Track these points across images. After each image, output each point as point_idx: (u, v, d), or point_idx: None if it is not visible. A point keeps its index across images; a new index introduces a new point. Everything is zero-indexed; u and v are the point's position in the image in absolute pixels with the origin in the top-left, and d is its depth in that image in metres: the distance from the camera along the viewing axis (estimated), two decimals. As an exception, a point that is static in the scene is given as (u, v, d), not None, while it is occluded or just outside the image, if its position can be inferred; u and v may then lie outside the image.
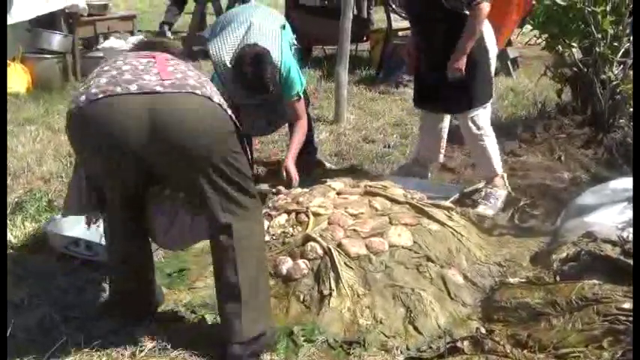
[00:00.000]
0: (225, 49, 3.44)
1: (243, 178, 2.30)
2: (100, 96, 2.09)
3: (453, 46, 3.40)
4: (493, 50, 3.60)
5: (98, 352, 2.33)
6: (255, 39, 3.42)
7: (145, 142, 2.12)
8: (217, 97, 2.25)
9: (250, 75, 3.30)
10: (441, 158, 4.05)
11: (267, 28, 3.54)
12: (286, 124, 4.08)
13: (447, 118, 3.90)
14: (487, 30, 3.52)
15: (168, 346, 2.37)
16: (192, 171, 2.21)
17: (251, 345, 2.28)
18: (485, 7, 3.33)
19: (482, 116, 3.61)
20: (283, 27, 3.67)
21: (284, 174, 3.59)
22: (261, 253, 2.42)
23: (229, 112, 2.25)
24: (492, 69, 3.62)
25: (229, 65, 3.40)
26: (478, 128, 3.60)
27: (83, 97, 2.12)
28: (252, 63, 3.30)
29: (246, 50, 3.35)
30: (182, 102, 2.15)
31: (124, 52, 2.33)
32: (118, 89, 2.10)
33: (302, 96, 3.69)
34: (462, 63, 3.39)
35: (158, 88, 2.12)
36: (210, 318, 2.55)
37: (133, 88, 2.11)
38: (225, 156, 2.21)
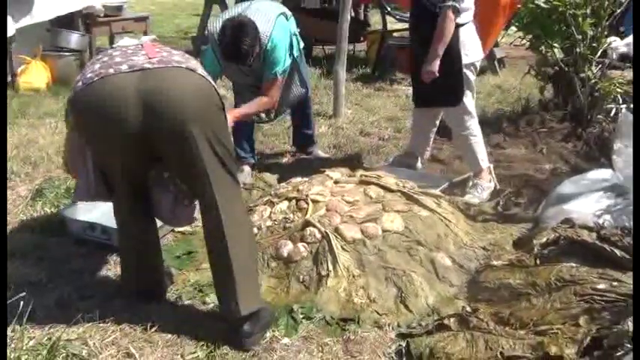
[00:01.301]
0: (219, 23, 3.39)
1: (230, 160, 2.30)
2: (95, 79, 2.12)
3: (426, 46, 3.36)
4: (470, 59, 3.47)
5: (112, 327, 2.34)
6: (248, 14, 3.37)
7: (139, 114, 2.11)
8: (201, 70, 2.26)
9: (228, 40, 3.21)
10: (428, 153, 4.05)
11: (265, 10, 3.47)
12: (284, 113, 4.07)
13: (437, 116, 3.89)
14: (468, 40, 3.44)
15: (178, 323, 2.38)
16: (185, 143, 2.15)
17: (255, 321, 2.27)
18: (450, 14, 3.25)
19: (466, 116, 3.57)
20: (286, 17, 3.58)
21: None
22: (250, 233, 2.44)
23: (213, 83, 2.26)
24: (470, 76, 3.52)
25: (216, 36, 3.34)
26: (463, 127, 3.58)
27: (80, 84, 2.15)
28: (232, 29, 3.22)
29: (232, 19, 3.30)
30: (169, 75, 2.16)
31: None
32: (111, 70, 2.13)
33: (279, 78, 3.52)
34: (435, 67, 3.33)
35: (147, 65, 2.15)
36: (214, 297, 2.55)
37: (124, 67, 2.14)
38: (213, 129, 2.19)
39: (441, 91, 3.46)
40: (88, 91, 2.13)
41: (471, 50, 3.49)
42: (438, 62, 3.34)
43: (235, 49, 3.25)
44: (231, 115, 3.24)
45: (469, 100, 3.57)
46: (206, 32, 3.43)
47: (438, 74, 3.36)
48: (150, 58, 2.17)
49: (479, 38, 3.58)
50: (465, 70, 3.45)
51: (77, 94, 2.15)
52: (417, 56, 3.54)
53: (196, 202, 2.41)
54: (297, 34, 3.71)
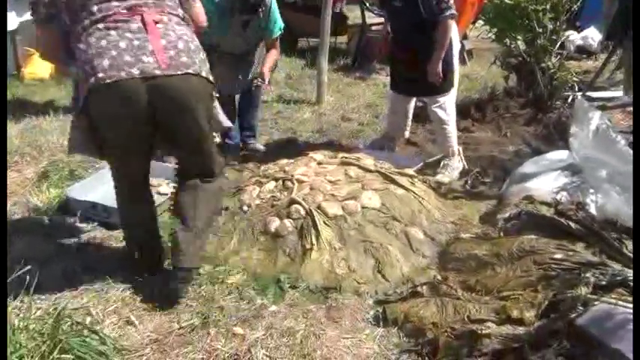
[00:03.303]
0: None
1: (212, 146, 2.36)
2: (107, 81, 2.03)
3: (424, 42, 3.35)
4: (457, 47, 3.54)
5: (114, 298, 2.32)
6: None
7: (149, 109, 2.11)
8: (205, 70, 2.21)
9: None
10: (407, 134, 4.04)
11: None
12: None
13: (413, 101, 3.87)
14: (453, 30, 3.44)
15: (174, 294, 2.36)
16: (184, 126, 2.21)
17: (188, 273, 2.33)
18: (451, 23, 3.30)
19: (449, 103, 3.57)
20: None
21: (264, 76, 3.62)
22: (218, 203, 2.48)
23: (211, 78, 2.25)
24: (456, 61, 3.55)
25: None
26: (445, 113, 3.57)
27: (93, 80, 2.04)
28: None
29: None
30: (177, 85, 2.12)
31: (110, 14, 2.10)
32: (123, 74, 2.03)
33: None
34: (439, 69, 3.38)
35: (157, 72, 2.07)
36: (208, 268, 2.55)
37: (136, 72, 2.04)
38: (208, 110, 2.26)
39: (431, 83, 3.44)
40: (101, 94, 2.05)
41: (456, 40, 3.51)
42: (440, 64, 3.38)
43: None
44: (267, 70, 3.56)
45: (454, 89, 3.59)
46: None
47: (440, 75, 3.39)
48: (158, 61, 2.08)
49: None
50: (455, 60, 3.50)
51: (90, 92, 2.05)
52: (398, 42, 3.52)
53: None
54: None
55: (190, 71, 2.13)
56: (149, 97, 2.08)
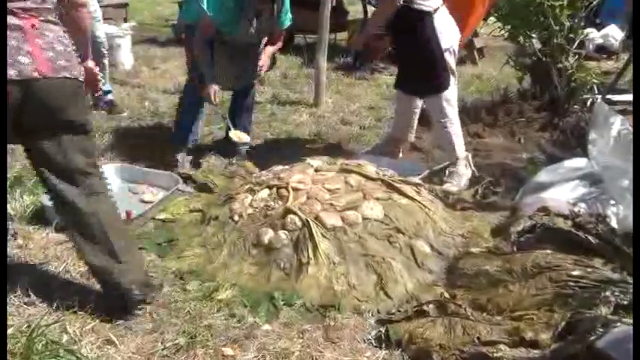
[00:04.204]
0: None
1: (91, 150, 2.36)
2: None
3: (403, 37, 3.43)
4: (448, 43, 3.45)
5: (92, 314, 2.30)
6: None
7: (22, 112, 2.13)
8: (82, 75, 2.26)
9: None
10: (412, 138, 4.05)
11: None
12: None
13: (418, 101, 3.88)
14: (443, 25, 3.42)
15: (159, 310, 2.37)
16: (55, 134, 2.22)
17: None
18: (389, 2, 3.36)
19: (446, 103, 3.56)
20: None
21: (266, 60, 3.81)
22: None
23: (83, 79, 2.28)
24: (448, 57, 3.48)
25: None
26: (441, 114, 3.57)
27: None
28: None
29: None
30: (54, 89, 2.15)
31: None
32: (11, 72, 2.06)
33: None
34: (360, 40, 3.76)
35: (34, 75, 2.09)
36: (195, 284, 2.55)
37: (13, 74, 2.06)
38: (79, 118, 2.26)
39: (423, 81, 3.47)
40: None
41: (447, 35, 3.46)
42: (364, 37, 3.73)
43: None
44: (266, 56, 3.74)
45: (452, 87, 3.56)
46: None
47: (418, 64, 3.41)
48: (36, 64, 2.10)
49: (457, 26, 3.58)
50: (448, 56, 3.45)
51: None
52: (391, 37, 3.62)
53: None
54: None
55: (69, 75, 2.18)
56: (23, 104, 2.10)
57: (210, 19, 3.45)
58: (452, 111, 3.61)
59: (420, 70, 3.44)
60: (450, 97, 3.56)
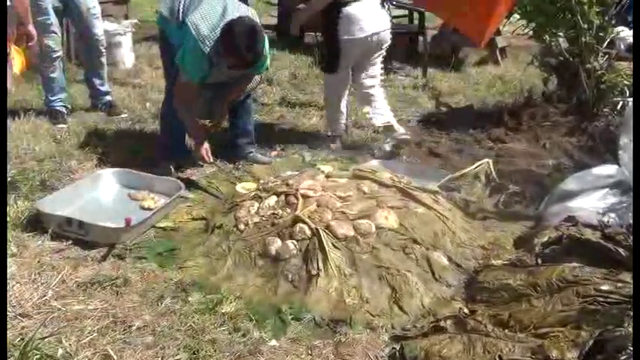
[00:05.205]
0: (206, 26, 3.35)
1: None
2: None
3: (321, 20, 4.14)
4: (349, 34, 3.96)
5: (89, 327, 2.32)
6: (241, 12, 3.42)
7: None
8: None
9: (244, 48, 3.24)
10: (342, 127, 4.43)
11: (241, 4, 3.59)
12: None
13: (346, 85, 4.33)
14: (352, 16, 3.93)
15: (159, 323, 2.38)
16: None
17: None
18: None
19: (327, 86, 4.33)
20: None
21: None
22: None
23: None
24: (348, 50, 4.00)
25: (213, 36, 3.32)
26: (325, 93, 4.42)
27: None
28: (247, 37, 3.24)
29: (239, 24, 3.28)
30: None
31: None
32: None
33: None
34: (296, 27, 4.90)
35: None
36: (198, 296, 2.56)
37: None
38: None
39: (324, 60, 4.37)
40: None
41: (351, 26, 3.95)
42: (295, 24, 4.77)
43: (255, 56, 3.32)
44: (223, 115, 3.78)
45: (338, 74, 4.15)
46: (195, 34, 3.36)
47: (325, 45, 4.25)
48: None
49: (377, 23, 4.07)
50: (343, 44, 3.99)
51: None
52: None
53: None
54: None
55: None
56: None
57: (194, 83, 3.47)
58: (329, 92, 4.35)
59: (326, 50, 4.25)
60: (330, 82, 4.26)
